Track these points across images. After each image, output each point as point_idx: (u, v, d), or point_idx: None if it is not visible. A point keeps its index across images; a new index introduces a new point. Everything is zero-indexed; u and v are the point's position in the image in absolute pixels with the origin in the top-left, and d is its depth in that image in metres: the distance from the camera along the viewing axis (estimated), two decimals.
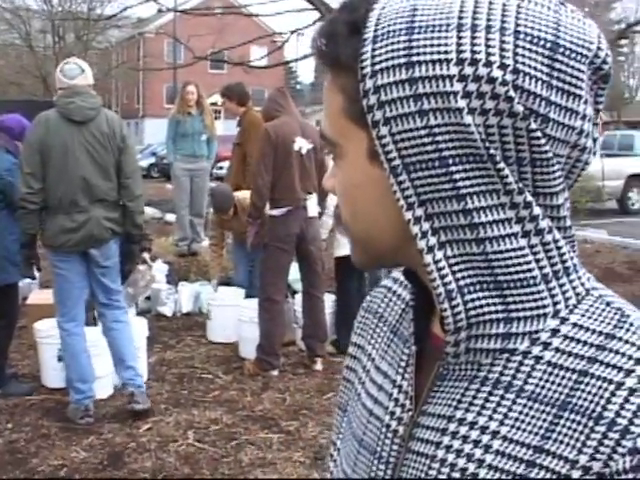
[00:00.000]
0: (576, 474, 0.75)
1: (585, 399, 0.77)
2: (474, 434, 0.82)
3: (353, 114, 0.84)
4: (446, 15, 0.78)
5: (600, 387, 0.76)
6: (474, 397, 0.84)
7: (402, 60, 0.79)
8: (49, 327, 5.81)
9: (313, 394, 5.71)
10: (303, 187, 5.94)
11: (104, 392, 5.50)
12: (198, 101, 9.43)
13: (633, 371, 0.76)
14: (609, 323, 0.81)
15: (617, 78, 47.06)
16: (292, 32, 12.07)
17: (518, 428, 0.80)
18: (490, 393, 0.83)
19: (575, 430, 0.76)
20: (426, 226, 0.81)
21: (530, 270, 0.81)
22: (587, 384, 0.78)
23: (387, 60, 0.80)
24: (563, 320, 0.83)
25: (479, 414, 0.83)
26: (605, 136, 24.81)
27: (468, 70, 0.76)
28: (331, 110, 0.87)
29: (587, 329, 0.81)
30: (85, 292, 5.17)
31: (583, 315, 0.83)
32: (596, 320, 0.82)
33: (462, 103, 0.76)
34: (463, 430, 0.83)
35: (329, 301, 6.70)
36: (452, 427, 0.84)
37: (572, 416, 0.77)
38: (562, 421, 0.77)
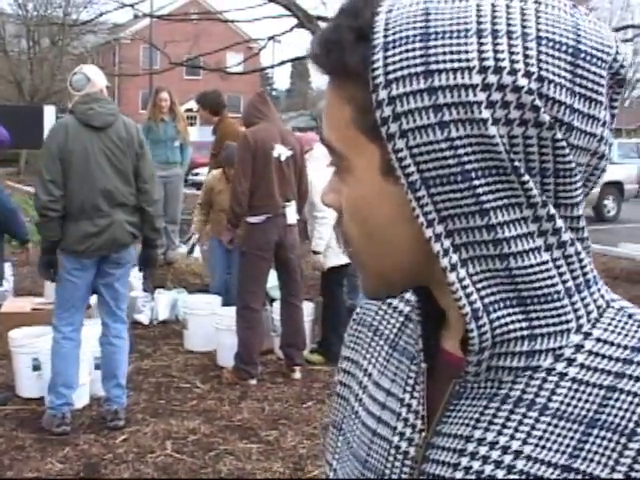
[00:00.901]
0: None
1: (616, 415, 0.74)
2: (495, 454, 0.78)
3: (364, 126, 0.78)
4: (463, 20, 0.74)
5: (631, 402, 0.74)
6: (494, 416, 0.80)
7: (419, 69, 0.74)
8: (23, 336, 5.75)
9: (292, 403, 5.66)
10: (282, 194, 5.89)
11: (80, 402, 5.40)
12: (171, 107, 9.36)
13: None
14: (633, 337, 0.79)
15: None
16: (269, 39, 12.05)
17: (543, 447, 0.76)
18: (511, 412, 0.79)
19: (607, 447, 0.73)
20: (447, 243, 0.77)
21: (554, 285, 0.79)
22: (617, 400, 0.75)
23: (402, 69, 0.75)
24: (587, 335, 0.80)
25: (500, 433, 0.79)
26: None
27: (492, 79, 0.72)
28: (338, 121, 0.81)
29: (612, 344, 0.79)
30: (87, 301, 5.14)
31: (606, 329, 0.80)
32: (620, 334, 0.80)
33: (486, 114, 0.73)
34: (483, 450, 0.79)
35: (308, 309, 6.66)
36: (471, 447, 0.80)
37: (602, 433, 0.74)
38: (591, 438, 0.74)
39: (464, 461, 0.81)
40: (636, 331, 0.80)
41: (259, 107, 6.05)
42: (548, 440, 0.76)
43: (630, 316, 0.82)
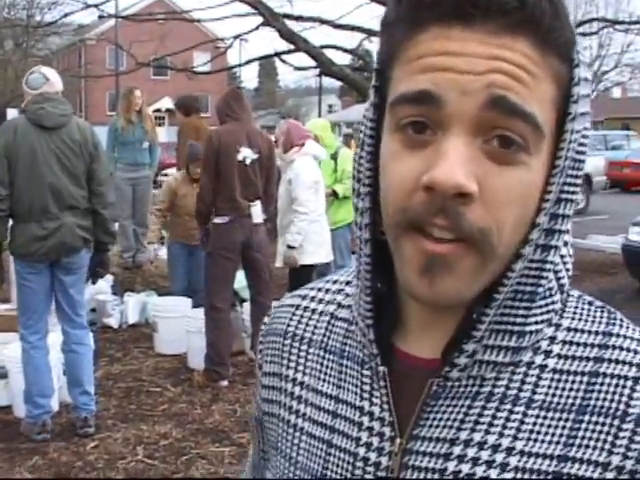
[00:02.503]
0: (610, 475, 0.73)
1: (604, 399, 0.76)
2: (485, 455, 0.77)
3: (559, 105, 0.76)
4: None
5: (617, 385, 0.76)
6: (480, 415, 0.79)
7: (583, 57, 0.77)
8: None
9: None
10: (244, 196, 5.86)
11: None
12: (139, 108, 9.30)
13: None
14: (600, 322, 0.82)
15: None
16: (235, 37, 11.97)
17: (535, 440, 0.76)
18: (497, 409, 0.78)
19: (600, 432, 0.75)
20: (537, 232, 0.77)
21: (557, 279, 0.82)
22: (602, 384, 0.77)
23: (580, 54, 0.77)
24: (557, 326, 0.82)
25: (487, 432, 0.78)
26: None
27: (588, 74, 0.79)
28: (543, 97, 0.74)
29: (582, 331, 0.81)
30: (50, 305, 5.02)
31: (573, 318, 0.83)
32: (587, 321, 0.83)
33: (588, 107, 0.78)
34: (471, 452, 0.77)
35: None
36: (457, 451, 0.78)
37: (594, 418, 0.76)
38: (583, 425, 0.76)
39: (451, 466, 0.78)
40: (601, 317, 0.83)
41: (231, 104, 5.97)
42: (539, 433, 0.77)
43: (590, 303, 0.86)
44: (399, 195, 0.75)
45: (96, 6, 11.98)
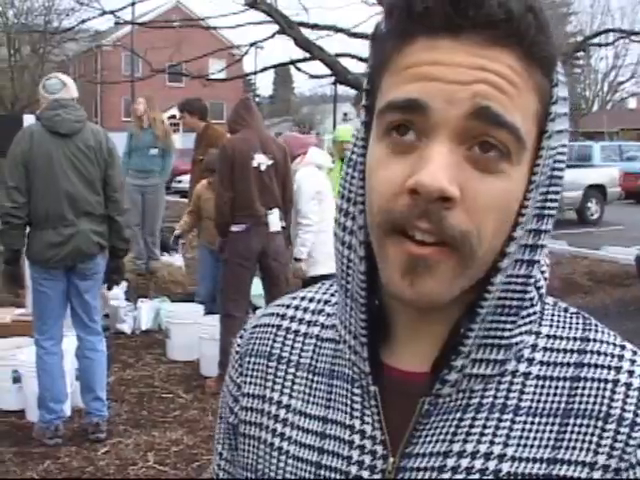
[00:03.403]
0: (597, 474, 0.77)
1: (587, 402, 0.80)
2: (478, 463, 0.79)
3: (540, 120, 0.78)
4: None
5: (598, 388, 0.80)
6: (471, 426, 0.81)
7: (562, 77, 0.80)
8: (3, 348, 5.68)
9: None
10: (263, 203, 5.86)
11: None
12: (148, 114, 9.23)
13: (621, 367, 0.81)
14: (577, 328, 0.86)
15: (574, 90, 47.77)
16: (251, 45, 12.02)
17: (525, 445, 0.79)
18: (487, 418, 0.81)
19: (586, 433, 0.78)
20: (514, 247, 0.79)
21: (539, 289, 0.85)
22: (584, 388, 0.80)
23: (560, 73, 0.80)
24: (537, 334, 0.85)
25: (479, 442, 0.80)
26: None
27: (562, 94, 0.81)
28: (525, 109, 0.77)
29: (561, 338, 0.84)
30: (65, 311, 5.04)
31: (551, 325, 0.86)
32: (564, 328, 0.86)
33: (567, 124, 0.81)
34: (465, 463, 0.79)
35: None
36: (451, 462, 0.80)
37: (578, 421, 0.79)
38: (569, 428, 0.79)
39: (445, 477, 0.80)
40: (577, 323, 0.86)
41: (242, 113, 6.01)
42: (528, 438, 0.80)
43: (566, 310, 0.88)
44: (384, 197, 0.77)
45: (113, 13, 12.07)
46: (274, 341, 0.96)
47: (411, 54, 0.76)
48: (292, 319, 0.97)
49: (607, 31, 14.27)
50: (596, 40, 13.54)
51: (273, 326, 0.98)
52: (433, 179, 0.72)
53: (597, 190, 18.20)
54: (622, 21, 46.17)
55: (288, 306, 0.99)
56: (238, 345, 1.01)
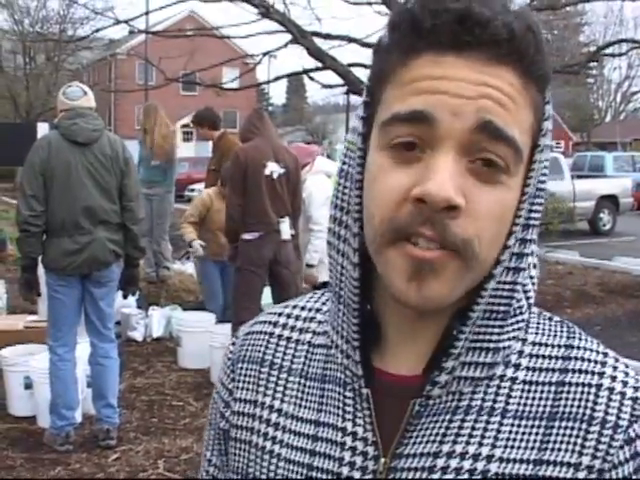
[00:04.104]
0: (582, 475, 0.80)
1: (572, 406, 0.83)
2: (467, 464, 0.81)
3: (534, 135, 0.83)
4: None
5: (582, 392, 0.83)
6: (460, 427, 0.83)
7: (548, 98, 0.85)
8: (15, 354, 5.71)
9: None
10: (275, 211, 5.89)
11: None
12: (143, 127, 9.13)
13: (604, 372, 0.85)
14: (561, 336, 0.89)
15: (586, 100, 47.66)
16: (264, 54, 12.05)
17: (512, 447, 0.82)
18: (476, 420, 0.83)
19: (570, 435, 0.81)
20: (506, 254, 0.83)
21: (527, 299, 0.88)
22: (568, 392, 0.84)
23: (550, 91, 0.85)
24: (523, 341, 0.88)
25: (468, 443, 0.82)
26: (576, 157, 25.09)
27: (549, 110, 0.85)
28: (523, 123, 0.81)
29: (546, 345, 0.88)
30: (79, 318, 5.07)
31: (537, 333, 0.89)
32: (549, 336, 0.89)
33: (550, 139, 0.86)
34: (454, 463, 0.82)
35: None
36: (441, 463, 0.82)
37: (563, 423, 0.82)
38: (554, 430, 0.82)
39: (435, 477, 0.82)
40: (561, 331, 0.90)
41: (255, 123, 6.05)
42: (515, 440, 0.83)
43: (550, 318, 0.92)
44: (387, 206, 0.79)
45: (127, 22, 12.13)
46: (266, 347, 0.98)
47: (416, 68, 0.79)
48: (284, 326, 0.99)
49: (620, 41, 14.22)
50: (609, 50, 13.51)
51: (265, 333, 1.00)
52: (440, 189, 0.75)
53: (609, 201, 18.15)
54: (635, 31, 46.12)
55: (280, 314, 1.01)
56: (230, 352, 1.03)
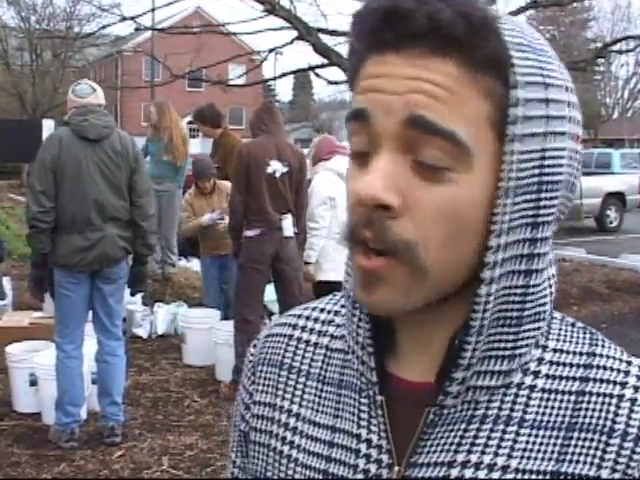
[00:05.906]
0: None
1: (592, 416, 0.80)
2: (482, 474, 0.79)
3: (497, 125, 0.77)
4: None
5: (603, 403, 0.80)
6: (475, 437, 0.81)
7: (539, 78, 0.78)
8: (21, 351, 5.71)
9: None
10: (275, 208, 5.88)
11: None
12: (153, 123, 9.07)
13: (627, 383, 0.81)
14: (584, 343, 0.86)
15: (594, 96, 47.53)
16: (270, 50, 12.03)
17: (529, 458, 0.79)
18: (492, 430, 0.81)
19: (589, 447, 0.78)
20: (499, 256, 0.78)
21: (546, 303, 0.84)
22: (588, 402, 0.80)
23: (530, 75, 0.77)
24: (544, 348, 0.85)
25: (483, 453, 0.80)
26: (583, 154, 25.05)
27: (572, 98, 0.81)
28: (470, 115, 0.76)
29: (567, 352, 0.85)
30: (87, 315, 5.08)
31: (558, 340, 0.86)
32: (571, 342, 0.86)
33: (567, 127, 0.80)
34: (469, 473, 0.80)
35: None
36: (455, 473, 0.80)
37: (582, 435, 0.79)
38: (573, 441, 0.79)
39: None
40: (584, 338, 0.86)
41: (263, 118, 6.01)
42: (532, 450, 0.80)
43: (573, 325, 0.88)
44: (347, 212, 0.80)
45: (133, 19, 12.12)
46: (286, 350, 0.98)
47: (364, 69, 0.80)
48: (303, 329, 0.98)
49: (628, 37, 14.18)
50: (617, 47, 13.44)
51: (285, 336, 0.99)
52: (368, 187, 0.75)
53: (616, 198, 18.11)
54: None
55: (299, 316, 1.01)
56: (251, 354, 1.03)
